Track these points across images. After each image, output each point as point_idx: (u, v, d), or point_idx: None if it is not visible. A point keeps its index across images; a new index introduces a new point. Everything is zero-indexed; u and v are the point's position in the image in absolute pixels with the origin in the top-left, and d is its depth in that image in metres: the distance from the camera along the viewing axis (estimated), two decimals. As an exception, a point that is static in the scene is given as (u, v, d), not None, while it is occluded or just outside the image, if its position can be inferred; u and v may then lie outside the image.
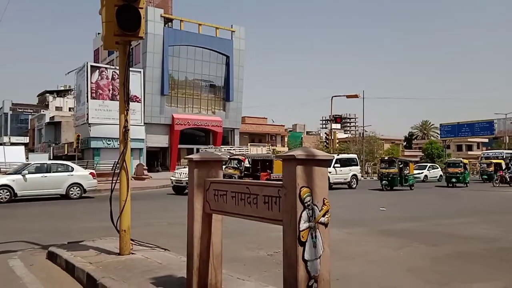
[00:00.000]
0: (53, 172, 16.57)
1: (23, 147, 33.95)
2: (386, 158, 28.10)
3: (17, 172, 16.11)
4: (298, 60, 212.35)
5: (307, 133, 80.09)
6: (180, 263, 5.01)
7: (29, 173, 15.85)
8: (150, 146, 40.53)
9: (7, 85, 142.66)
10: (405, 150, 76.16)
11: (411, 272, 5.77)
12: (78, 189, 16.86)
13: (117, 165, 5.72)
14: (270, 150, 36.84)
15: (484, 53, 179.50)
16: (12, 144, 51.24)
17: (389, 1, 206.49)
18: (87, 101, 35.62)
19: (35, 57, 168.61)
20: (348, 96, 38.93)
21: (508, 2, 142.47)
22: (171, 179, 20.35)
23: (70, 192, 16.65)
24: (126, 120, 5.71)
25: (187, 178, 21.15)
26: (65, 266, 5.49)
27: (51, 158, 40.98)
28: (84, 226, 9.60)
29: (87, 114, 35.58)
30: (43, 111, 58.71)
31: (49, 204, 14.95)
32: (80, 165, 30.14)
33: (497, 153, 38.74)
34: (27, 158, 33.93)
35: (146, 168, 31.54)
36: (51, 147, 46.22)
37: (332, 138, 42.08)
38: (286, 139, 64.67)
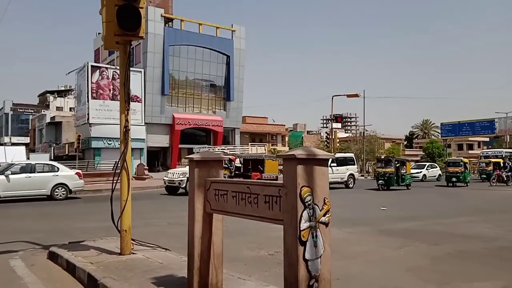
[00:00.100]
0: (38, 172, 16.12)
1: (24, 147, 33.95)
2: (382, 157, 27.75)
3: (0, 173, 15.62)
4: (298, 60, 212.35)
5: (308, 132, 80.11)
6: (181, 263, 5.02)
7: (12, 173, 15.44)
8: (150, 146, 40.56)
9: (8, 85, 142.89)
10: (406, 149, 76.13)
11: (411, 272, 5.77)
12: (63, 189, 16.40)
13: (118, 165, 5.72)
14: (265, 150, 36.60)
15: (484, 53, 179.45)
16: (13, 144, 51.24)
17: (389, 1, 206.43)
18: (88, 101, 35.64)
19: (35, 57, 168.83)
20: (348, 96, 38.92)
21: (508, 2, 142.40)
22: (164, 179, 20.17)
23: (55, 193, 16.18)
24: (127, 120, 5.71)
25: (180, 179, 20.70)
26: (66, 266, 5.49)
27: (52, 158, 41.03)
28: (85, 226, 9.61)
29: (88, 114, 35.61)
30: (43, 111, 58.76)
31: (49, 204, 14.96)
32: (81, 165, 30.38)
33: (496, 152, 38.61)
34: (28, 158, 33.97)
35: (147, 168, 31.56)
36: (52, 147, 46.27)
37: (333, 137, 42.10)
38: (286, 138, 64.70)
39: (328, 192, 3.10)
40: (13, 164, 16.70)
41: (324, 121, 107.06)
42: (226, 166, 18.68)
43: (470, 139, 64.56)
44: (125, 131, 5.68)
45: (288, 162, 3.00)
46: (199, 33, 43.07)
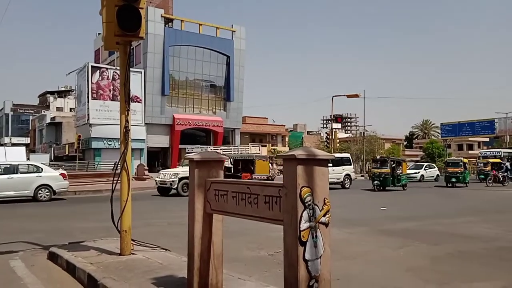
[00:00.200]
0: (21, 173, 15.76)
1: (24, 147, 33.88)
2: (378, 157, 27.23)
3: None
4: (298, 60, 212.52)
5: (308, 133, 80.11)
6: (180, 263, 5.02)
7: None
8: (151, 146, 40.58)
9: (8, 86, 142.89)
10: (406, 149, 76.16)
11: (411, 272, 5.77)
12: (47, 191, 15.99)
13: (118, 166, 5.73)
14: (259, 150, 36.40)
15: (484, 53, 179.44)
16: (13, 144, 51.30)
17: (389, 1, 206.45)
18: (88, 102, 35.66)
19: (35, 57, 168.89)
20: (348, 96, 38.96)
21: (508, 2, 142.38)
22: (155, 180, 19.92)
23: (39, 194, 15.78)
24: (127, 121, 5.71)
25: (171, 179, 20.41)
26: (66, 267, 5.50)
27: (52, 158, 41.09)
28: (85, 226, 9.61)
29: (88, 114, 35.62)
30: (44, 111, 58.80)
31: (49, 205, 14.97)
32: (81, 166, 30.43)
33: (494, 152, 38.49)
34: (28, 158, 33.98)
35: (147, 168, 31.55)
36: (52, 148, 46.30)
37: (333, 137, 42.11)
38: (286, 139, 64.71)
39: (328, 193, 3.10)
40: None
41: (324, 122, 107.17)
42: None
43: (470, 139, 64.53)
44: (125, 131, 5.68)
45: (288, 162, 3.00)
46: (199, 33, 43.08)
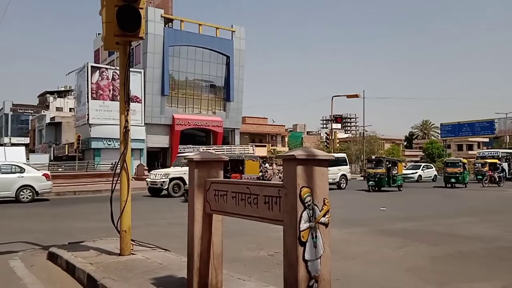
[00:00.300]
0: (2, 173, 15.38)
1: (23, 147, 33.96)
2: (373, 157, 27.00)
3: None
4: (298, 60, 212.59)
5: (308, 133, 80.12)
6: (180, 263, 5.02)
7: None
8: (150, 146, 40.54)
9: (8, 86, 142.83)
10: (406, 150, 76.22)
11: (411, 272, 5.78)
12: (29, 191, 15.61)
13: (118, 166, 5.72)
14: (253, 151, 36.24)
15: (484, 53, 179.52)
16: (13, 144, 51.30)
17: (388, 0, 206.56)
18: (88, 102, 35.62)
19: (35, 57, 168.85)
20: (348, 96, 38.98)
21: (508, 2, 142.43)
22: (146, 181, 19.71)
23: (21, 195, 15.43)
24: (127, 121, 5.72)
25: (162, 180, 20.03)
26: (66, 267, 5.49)
27: (52, 158, 41.07)
28: (84, 226, 9.61)
29: (88, 114, 35.59)
30: (43, 111, 58.75)
31: (49, 205, 14.97)
32: (80, 166, 30.41)
33: (493, 153, 38.42)
34: (27, 158, 33.96)
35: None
36: (52, 148, 46.27)
37: (333, 138, 42.13)
38: (286, 139, 64.72)
39: (328, 193, 3.10)
40: None
41: (324, 122, 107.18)
42: None
43: (470, 139, 64.54)
44: (125, 131, 5.69)
45: (288, 162, 3.00)
46: (199, 33, 43.05)
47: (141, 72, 38.03)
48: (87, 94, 35.68)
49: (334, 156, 24.25)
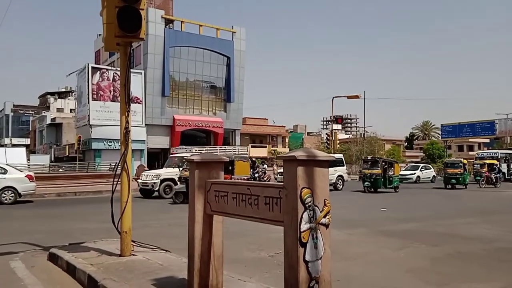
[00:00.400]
0: None
1: (24, 148, 33.97)
2: (369, 157, 26.30)
3: None
4: (298, 60, 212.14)
5: (308, 133, 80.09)
6: (181, 264, 5.02)
7: None
8: (151, 147, 40.56)
9: (8, 86, 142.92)
10: (406, 150, 76.19)
11: (411, 273, 5.78)
12: (10, 193, 15.20)
13: (118, 167, 5.73)
14: (247, 151, 36.08)
15: (484, 53, 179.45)
16: (14, 145, 51.34)
17: (389, 1, 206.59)
18: (88, 103, 35.65)
19: (36, 58, 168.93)
20: (349, 97, 38.93)
21: (508, 2, 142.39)
22: (137, 182, 19.29)
23: (2, 197, 15.02)
24: (127, 122, 5.72)
25: (153, 181, 19.52)
26: (66, 268, 5.50)
27: (52, 159, 41.10)
28: (85, 227, 9.61)
29: (88, 115, 35.62)
30: (44, 112, 58.82)
31: (49, 205, 14.97)
32: (81, 167, 30.45)
33: (491, 153, 38.31)
34: (28, 159, 33.98)
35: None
36: (52, 149, 46.29)
37: (333, 138, 42.10)
38: (287, 140, 64.70)
39: (329, 194, 3.10)
40: None
41: (325, 122, 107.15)
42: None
43: (470, 140, 64.48)
44: (126, 132, 5.69)
45: (289, 163, 3.01)
46: (200, 34, 43.09)
47: (141, 73, 38.06)
48: (88, 95, 35.71)
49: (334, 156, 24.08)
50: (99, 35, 44.99)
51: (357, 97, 39.42)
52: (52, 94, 73.53)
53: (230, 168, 19.68)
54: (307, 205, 2.93)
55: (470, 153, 66.62)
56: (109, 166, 28.24)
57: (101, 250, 5.99)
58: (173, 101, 42.30)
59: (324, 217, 3.03)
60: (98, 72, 36.75)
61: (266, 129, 59.37)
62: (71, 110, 61.53)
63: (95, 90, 36.10)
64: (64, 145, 44.94)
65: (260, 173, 27.37)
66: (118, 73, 7.13)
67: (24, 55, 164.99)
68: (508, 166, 36.69)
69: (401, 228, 9.82)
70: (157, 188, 17.77)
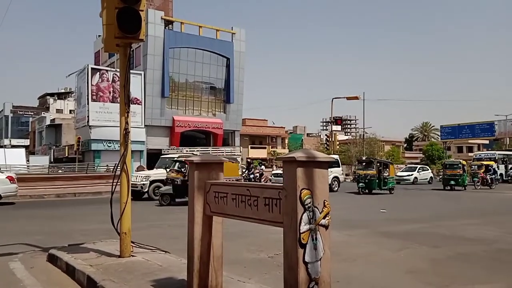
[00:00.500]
0: None
1: (23, 149, 34.02)
2: (364, 158, 26.01)
3: None
4: (298, 61, 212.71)
5: (308, 135, 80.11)
6: (180, 265, 5.01)
7: None
8: (150, 148, 40.51)
9: (8, 87, 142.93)
10: (406, 152, 76.23)
11: (411, 274, 5.77)
12: None
13: (118, 168, 5.73)
14: (240, 152, 35.96)
15: (484, 54, 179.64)
16: (13, 146, 51.26)
17: (389, 1, 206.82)
18: (88, 104, 35.62)
19: (35, 59, 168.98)
20: (348, 98, 38.95)
21: (508, 2, 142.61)
22: None
23: None
24: (127, 122, 5.72)
25: (142, 182, 19.04)
26: (66, 269, 5.49)
27: (52, 160, 41.07)
28: (84, 228, 9.60)
29: (88, 116, 35.59)
30: (43, 113, 58.81)
31: (48, 206, 14.96)
32: (80, 168, 30.41)
33: (489, 154, 38.25)
34: (27, 160, 33.98)
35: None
36: (52, 150, 46.26)
37: (333, 140, 42.09)
38: (286, 141, 64.71)
39: (328, 195, 3.10)
40: None
41: (324, 124, 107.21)
42: (178, 169, 16.53)
43: (470, 141, 64.53)
44: (125, 133, 5.69)
45: (288, 164, 3.00)
46: (199, 35, 43.10)
47: (141, 74, 38.05)
48: (87, 96, 35.69)
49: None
50: (99, 36, 44.98)
51: (356, 98, 39.42)
52: (52, 95, 73.55)
53: None
54: (306, 206, 2.93)
55: (470, 154, 66.58)
56: (106, 167, 28.18)
57: (100, 251, 5.98)
58: (172, 102, 42.30)
59: (324, 218, 3.03)
60: (98, 73, 36.73)
61: (265, 130, 59.39)
62: (70, 111, 61.52)
63: (95, 91, 36.09)
64: (64, 146, 44.89)
65: (256, 174, 27.34)
66: (118, 74, 7.13)
67: (24, 56, 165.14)
68: (506, 167, 36.67)
69: (401, 229, 9.82)
70: (146, 190, 17.38)
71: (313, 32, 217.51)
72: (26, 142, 60.76)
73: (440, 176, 39.07)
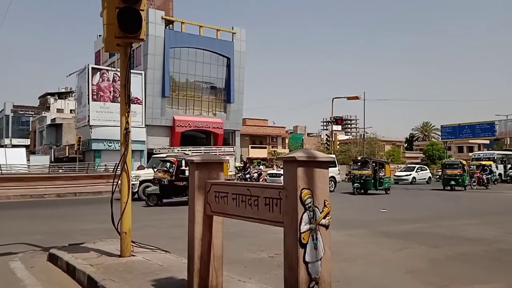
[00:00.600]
0: None
1: (24, 149, 34.05)
2: (359, 158, 25.58)
3: None
4: (299, 60, 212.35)
5: (308, 134, 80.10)
6: (180, 265, 5.02)
7: None
8: (151, 148, 40.56)
9: (8, 87, 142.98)
10: (406, 151, 76.21)
11: (411, 274, 5.77)
12: None
13: (118, 167, 5.73)
14: (233, 151, 36.04)
15: (484, 54, 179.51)
16: (14, 146, 51.42)
17: (389, 2, 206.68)
18: (88, 103, 35.64)
19: (36, 58, 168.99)
20: (349, 98, 38.98)
21: (508, 2, 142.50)
22: (118, 183, 18.56)
23: None
24: (127, 122, 5.72)
25: (132, 182, 18.51)
26: (66, 268, 5.49)
27: (52, 160, 41.10)
28: (84, 228, 9.60)
29: (88, 116, 35.61)
30: (44, 113, 58.80)
31: (48, 206, 14.96)
32: (81, 167, 30.44)
33: (488, 154, 38.15)
34: (28, 160, 34.00)
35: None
36: (52, 149, 46.28)
37: (333, 139, 42.10)
38: (287, 140, 64.72)
39: (328, 195, 3.10)
40: None
41: (325, 123, 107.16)
42: (166, 169, 16.11)
43: (470, 141, 64.52)
44: (126, 133, 5.69)
45: (289, 164, 3.01)
46: (200, 35, 43.11)
47: (141, 73, 38.06)
48: (88, 95, 35.70)
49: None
50: (99, 35, 45.00)
51: (357, 98, 39.45)
52: (52, 94, 73.56)
53: None
54: (307, 206, 2.93)
55: (470, 154, 66.62)
56: (104, 167, 28.16)
57: (101, 250, 5.99)
58: (173, 101, 42.32)
59: (324, 218, 3.03)
60: (98, 72, 36.75)
61: (266, 130, 59.38)
62: (71, 110, 61.54)
63: (95, 90, 36.10)
64: (64, 145, 44.92)
65: (253, 174, 27.31)
66: (118, 73, 7.15)
67: (24, 55, 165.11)
68: (504, 167, 36.60)
69: (401, 229, 9.82)
70: (135, 190, 17.12)
71: (313, 32, 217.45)
72: (27, 141, 60.81)
73: (437, 176, 39.18)
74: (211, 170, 4.11)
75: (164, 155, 20.62)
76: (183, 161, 16.38)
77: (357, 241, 8.20)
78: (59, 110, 65.44)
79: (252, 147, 54.79)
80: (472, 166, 30.65)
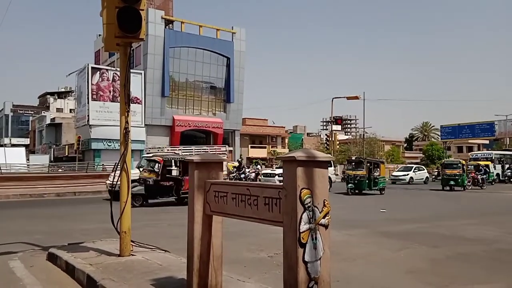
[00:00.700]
0: None
1: (23, 148, 34.04)
2: (353, 157, 25.20)
3: None
4: (298, 60, 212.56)
5: (308, 134, 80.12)
6: (180, 264, 5.02)
7: None
8: (150, 147, 40.57)
9: (8, 86, 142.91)
10: (406, 151, 76.23)
11: (411, 274, 5.77)
12: None
13: (118, 167, 5.73)
14: (225, 150, 36.00)
15: (484, 54, 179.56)
16: (13, 145, 51.39)
17: (389, 1, 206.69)
18: (88, 103, 35.62)
19: (36, 58, 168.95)
20: (348, 98, 38.90)
21: (508, 2, 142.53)
22: (106, 183, 18.35)
23: None
24: (127, 122, 5.72)
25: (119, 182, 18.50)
26: (65, 268, 5.49)
27: (52, 159, 41.09)
28: (84, 227, 9.60)
29: (88, 115, 35.60)
30: (44, 112, 58.80)
31: (48, 205, 14.95)
32: (80, 167, 30.43)
33: (486, 154, 38.11)
34: (27, 159, 33.98)
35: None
36: (52, 149, 46.28)
37: (333, 139, 42.08)
38: (286, 140, 64.72)
39: (328, 194, 3.10)
40: None
41: (324, 123, 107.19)
42: (151, 169, 15.65)
43: (470, 141, 64.53)
44: (125, 132, 5.69)
45: (288, 164, 3.00)
46: (200, 35, 43.12)
47: (141, 73, 38.04)
48: (88, 95, 35.68)
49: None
50: (99, 35, 45.00)
51: (356, 98, 39.37)
52: (52, 94, 73.57)
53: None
54: (306, 206, 2.93)
55: (470, 154, 66.66)
56: (102, 167, 28.12)
57: (100, 250, 5.98)
58: (172, 101, 42.33)
59: (324, 217, 3.03)
60: (98, 72, 36.72)
61: (265, 130, 59.37)
62: (70, 110, 61.51)
63: (95, 90, 36.08)
64: (64, 145, 44.90)
65: (250, 173, 27.28)
66: (118, 73, 7.13)
67: (24, 55, 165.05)
68: (502, 167, 36.57)
69: (400, 229, 9.81)
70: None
71: (313, 32, 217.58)
72: (26, 141, 60.77)
73: (434, 176, 39.14)
74: (211, 169, 4.11)
75: (151, 154, 20.46)
76: (173, 161, 16.43)
77: (357, 241, 8.19)
78: (59, 110, 65.42)
79: (251, 147, 54.78)
80: (470, 166, 30.59)
